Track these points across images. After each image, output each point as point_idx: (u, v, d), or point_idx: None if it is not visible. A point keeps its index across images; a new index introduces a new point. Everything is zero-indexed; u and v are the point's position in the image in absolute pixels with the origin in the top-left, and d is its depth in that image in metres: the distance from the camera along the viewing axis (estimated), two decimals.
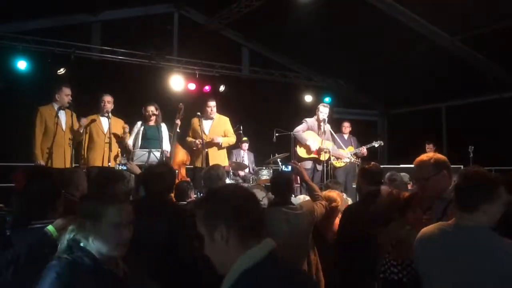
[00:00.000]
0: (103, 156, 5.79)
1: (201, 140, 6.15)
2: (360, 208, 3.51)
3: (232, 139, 6.55)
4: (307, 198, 4.00)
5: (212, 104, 6.37)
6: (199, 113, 6.28)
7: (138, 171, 4.34)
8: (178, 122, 6.23)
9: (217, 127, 6.42)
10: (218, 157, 6.25)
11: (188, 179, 6.24)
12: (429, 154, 2.72)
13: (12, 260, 1.88)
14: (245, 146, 8.48)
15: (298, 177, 4.80)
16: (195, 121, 6.36)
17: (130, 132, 6.12)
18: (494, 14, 6.71)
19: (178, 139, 6.40)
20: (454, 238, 2.03)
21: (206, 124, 6.36)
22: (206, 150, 6.15)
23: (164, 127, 6.27)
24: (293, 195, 5.84)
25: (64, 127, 5.61)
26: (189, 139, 6.43)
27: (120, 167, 6.19)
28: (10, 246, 1.99)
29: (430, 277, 2.11)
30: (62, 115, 5.63)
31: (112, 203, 1.86)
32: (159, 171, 3.10)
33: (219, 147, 6.34)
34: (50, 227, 2.01)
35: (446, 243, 2.06)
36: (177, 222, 2.90)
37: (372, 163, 3.67)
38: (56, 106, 5.63)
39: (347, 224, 3.50)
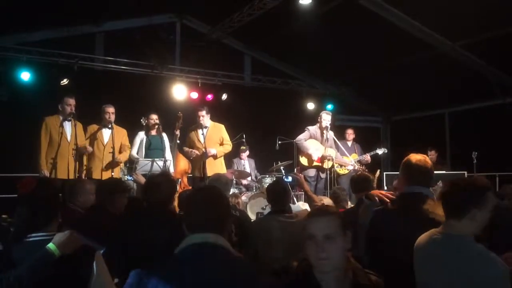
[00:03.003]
0: (102, 167, 5.83)
1: (195, 151, 6.17)
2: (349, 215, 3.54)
3: (228, 147, 6.49)
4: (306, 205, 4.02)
5: (202, 112, 6.27)
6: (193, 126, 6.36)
7: (143, 181, 4.34)
8: (178, 132, 6.25)
9: (212, 135, 6.36)
10: (214, 166, 6.22)
11: (190, 188, 6.26)
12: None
13: (14, 281, 1.82)
14: (244, 154, 8.47)
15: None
16: (191, 131, 6.38)
17: (131, 143, 6.16)
18: (495, 19, 6.72)
19: (177, 148, 6.44)
20: (442, 248, 1.99)
21: (201, 133, 6.28)
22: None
23: (165, 136, 6.30)
24: (295, 203, 5.86)
25: (69, 137, 5.62)
26: (185, 148, 6.42)
27: (126, 178, 6.27)
28: (12, 263, 1.94)
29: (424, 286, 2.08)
30: (67, 125, 5.65)
31: None
32: (157, 181, 3.08)
33: (215, 157, 6.31)
34: (51, 246, 1.91)
35: (434, 252, 2.01)
36: (178, 232, 2.88)
37: (359, 172, 3.81)
38: (61, 117, 5.66)
39: None
